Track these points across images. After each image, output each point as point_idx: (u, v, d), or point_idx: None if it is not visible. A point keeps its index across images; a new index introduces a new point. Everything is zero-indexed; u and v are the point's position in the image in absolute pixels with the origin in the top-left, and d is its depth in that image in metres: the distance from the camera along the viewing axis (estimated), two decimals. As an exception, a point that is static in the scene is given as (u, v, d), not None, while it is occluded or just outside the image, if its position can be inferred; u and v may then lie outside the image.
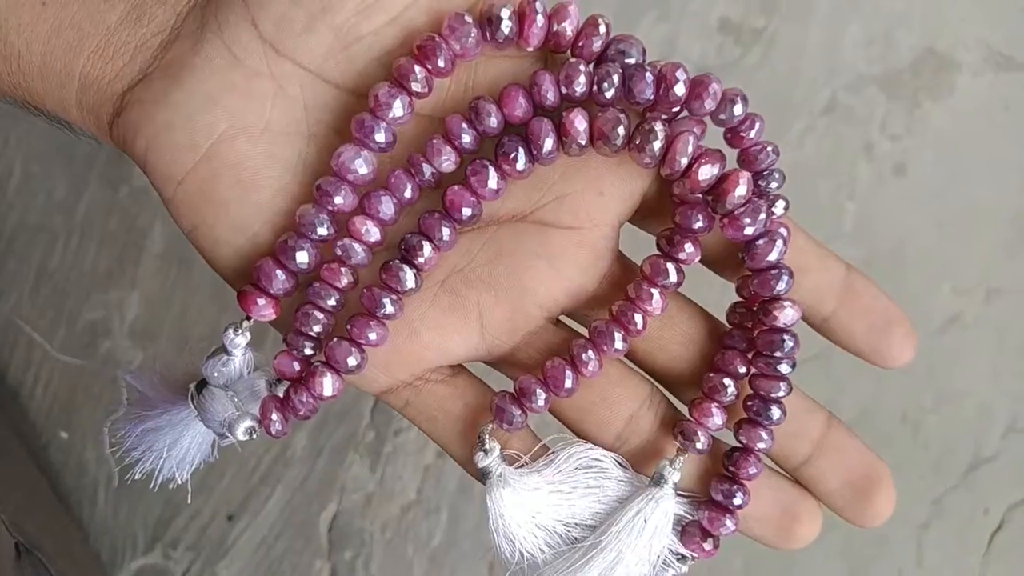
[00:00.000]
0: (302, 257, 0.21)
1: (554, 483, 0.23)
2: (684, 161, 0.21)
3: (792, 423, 0.23)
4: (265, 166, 0.22)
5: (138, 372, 0.24)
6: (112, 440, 0.23)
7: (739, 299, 0.24)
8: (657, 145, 0.21)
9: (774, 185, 0.22)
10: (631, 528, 0.22)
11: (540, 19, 0.21)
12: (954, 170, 0.54)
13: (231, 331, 0.22)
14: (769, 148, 0.22)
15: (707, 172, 0.21)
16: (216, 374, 0.23)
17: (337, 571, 0.54)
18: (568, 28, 0.21)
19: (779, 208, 0.23)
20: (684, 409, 0.25)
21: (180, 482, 0.23)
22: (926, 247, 0.54)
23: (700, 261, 0.23)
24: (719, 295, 0.25)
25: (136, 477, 0.23)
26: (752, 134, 0.22)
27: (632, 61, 0.21)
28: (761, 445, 0.23)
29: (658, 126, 0.21)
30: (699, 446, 0.23)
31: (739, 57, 0.54)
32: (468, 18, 0.21)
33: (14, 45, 0.21)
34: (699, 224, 0.22)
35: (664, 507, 0.23)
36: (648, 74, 0.21)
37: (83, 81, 0.22)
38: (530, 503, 0.23)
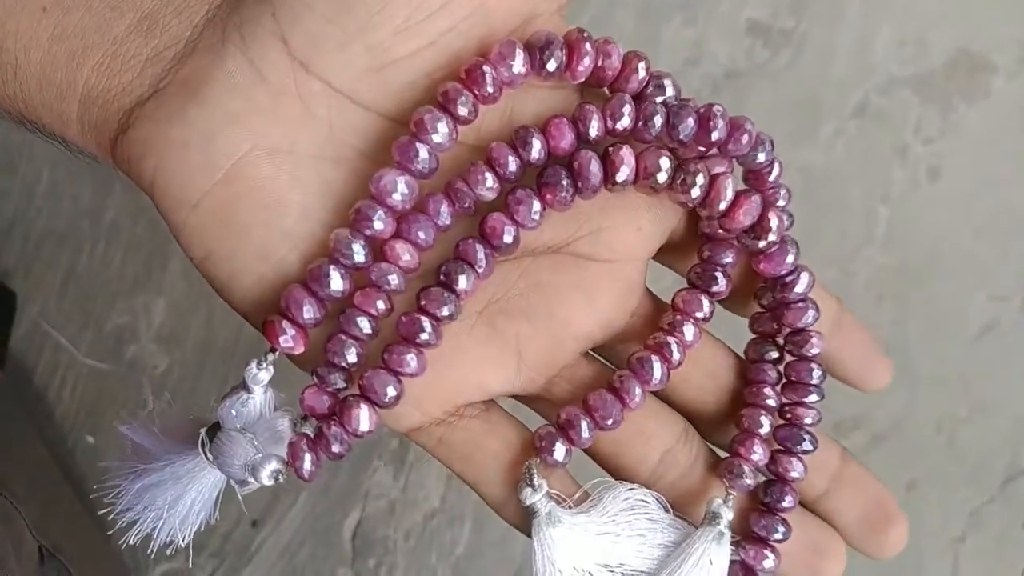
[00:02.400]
0: (336, 284, 0.20)
1: (602, 524, 0.22)
2: (725, 204, 0.22)
3: (810, 458, 0.24)
4: (289, 190, 0.20)
5: (136, 423, 0.22)
6: (105, 500, 0.22)
7: (755, 335, 0.24)
8: (700, 188, 0.21)
9: (786, 225, 0.24)
10: (698, 571, 0.22)
11: (589, 55, 0.21)
12: (990, 174, 0.53)
13: (253, 365, 0.21)
14: (784, 190, 0.23)
15: (751, 211, 0.22)
16: (234, 414, 0.21)
17: (360, 579, 0.54)
18: (615, 62, 0.21)
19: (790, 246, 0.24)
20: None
21: (181, 545, 0.21)
22: (961, 253, 0.53)
23: None
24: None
25: (131, 542, 0.21)
26: (772, 177, 0.23)
27: (669, 96, 0.22)
28: (796, 475, 0.23)
29: (701, 172, 0.21)
30: (748, 482, 0.23)
31: (768, 59, 0.54)
32: (519, 46, 0.21)
33: (11, 51, 0.20)
34: (730, 259, 0.23)
35: (725, 546, 0.23)
36: (692, 114, 0.21)
37: (86, 94, 0.20)
38: (578, 545, 0.22)
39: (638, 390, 0.22)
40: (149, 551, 0.21)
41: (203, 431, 0.21)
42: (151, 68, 0.20)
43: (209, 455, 0.21)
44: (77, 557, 0.41)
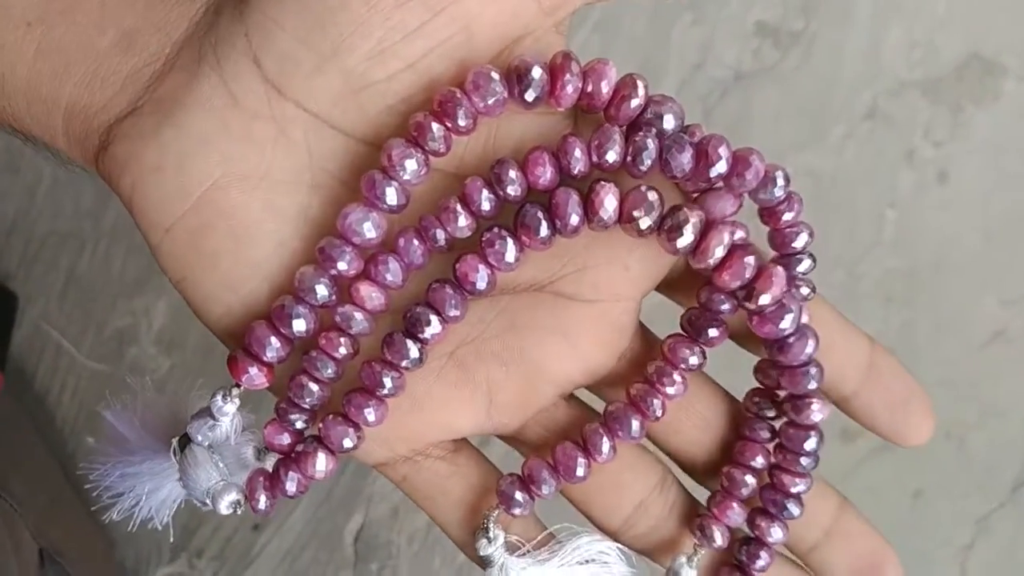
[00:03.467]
0: (299, 324, 0.20)
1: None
2: (715, 260, 0.19)
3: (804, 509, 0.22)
4: (262, 218, 0.20)
5: (119, 410, 0.22)
6: (89, 476, 0.22)
7: (758, 386, 0.23)
8: (688, 237, 0.19)
9: (803, 268, 0.21)
10: None
11: (573, 80, 0.19)
12: (999, 177, 0.52)
13: (219, 397, 0.21)
14: (804, 232, 0.21)
15: (740, 272, 0.19)
16: (201, 437, 0.21)
17: (363, 583, 0.54)
18: (604, 89, 0.19)
19: (804, 292, 0.22)
20: (695, 488, 0.24)
21: (160, 526, 0.22)
22: (970, 257, 0.52)
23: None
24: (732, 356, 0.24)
25: (114, 517, 0.22)
26: (789, 216, 0.21)
27: (670, 127, 0.20)
28: (774, 539, 0.22)
29: (693, 215, 0.19)
30: (717, 543, 0.22)
31: (777, 61, 0.53)
32: (495, 75, 0.19)
33: None
34: (726, 307, 0.21)
35: None
36: (688, 149, 0.19)
37: (69, 110, 0.20)
38: None
39: (607, 446, 0.21)
40: (130, 528, 0.22)
41: (175, 441, 0.21)
42: (131, 85, 0.20)
43: (179, 469, 0.21)
44: (77, 560, 0.41)
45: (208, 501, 0.21)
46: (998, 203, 0.52)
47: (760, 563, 0.22)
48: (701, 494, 0.23)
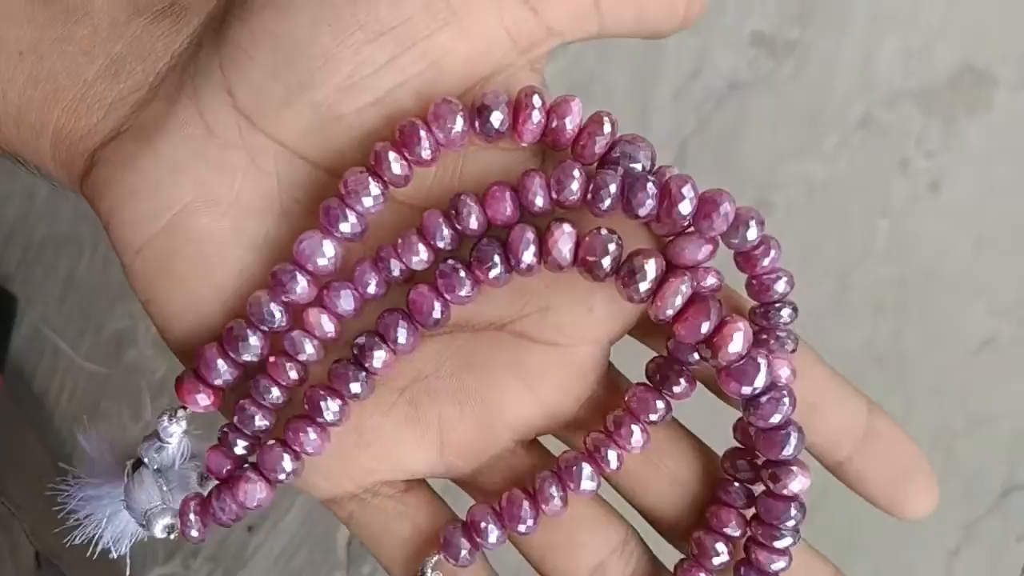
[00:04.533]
0: (248, 348, 0.20)
1: None
2: (672, 311, 0.18)
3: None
4: (228, 242, 0.20)
5: (93, 435, 0.22)
6: (58, 499, 0.22)
7: (737, 445, 0.21)
8: (645, 285, 0.18)
9: (784, 319, 0.20)
10: None
11: (536, 115, 0.19)
12: (991, 187, 0.53)
13: (165, 418, 0.21)
14: (784, 278, 0.20)
15: (696, 327, 0.18)
16: (149, 459, 0.21)
17: (356, 584, 0.54)
18: (569, 125, 0.19)
19: (788, 345, 0.20)
20: (663, 549, 0.22)
21: (116, 557, 0.22)
22: (961, 266, 0.53)
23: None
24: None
25: (76, 542, 0.22)
26: (766, 261, 0.20)
27: (638, 167, 0.19)
28: None
29: (649, 263, 0.18)
30: None
31: (771, 70, 0.54)
32: (457, 105, 0.19)
33: None
34: (694, 358, 0.20)
35: None
36: (651, 186, 0.18)
37: (56, 135, 0.21)
38: None
39: (557, 498, 0.20)
40: (89, 554, 0.22)
41: (129, 464, 0.21)
42: (115, 112, 0.20)
43: (126, 491, 0.21)
44: (75, 563, 0.41)
45: (144, 524, 0.21)
46: (989, 213, 0.53)
47: None
48: (673, 557, 0.22)
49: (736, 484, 0.21)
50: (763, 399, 0.19)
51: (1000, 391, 0.52)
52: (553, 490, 0.20)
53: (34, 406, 0.54)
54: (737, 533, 0.20)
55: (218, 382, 0.20)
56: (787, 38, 0.54)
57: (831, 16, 0.53)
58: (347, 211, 0.19)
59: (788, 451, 0.19)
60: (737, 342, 0.18)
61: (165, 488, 0.21)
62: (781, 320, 0.20)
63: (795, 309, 0.20)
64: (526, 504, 0.20)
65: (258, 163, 0.20)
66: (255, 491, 0.20)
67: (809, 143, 0.53)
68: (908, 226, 0.53)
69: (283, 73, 0.19)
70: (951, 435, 0.52)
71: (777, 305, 0.20)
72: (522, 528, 0.20)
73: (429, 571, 0.21)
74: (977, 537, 0.51)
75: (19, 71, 0.20)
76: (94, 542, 0.22)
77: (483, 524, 0.20)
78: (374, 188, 0.19)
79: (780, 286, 0.20)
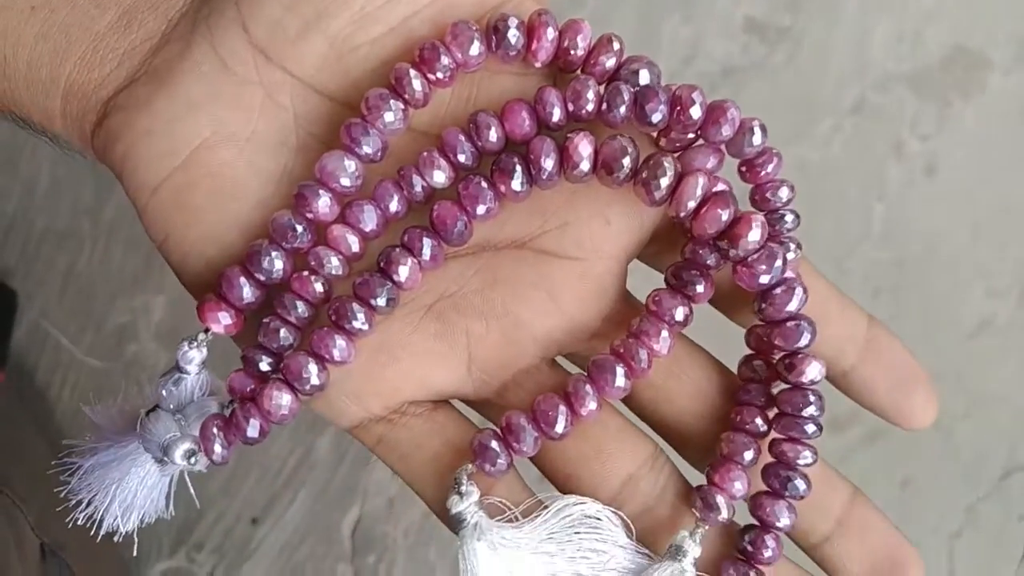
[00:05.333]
0: (271, 265, 0.19)
1: (539, 541, 0.20)
2: (692, 204, 0.19)
3: (813, 495, 0.20)
4: (247, 176, 0.20)
5: (100, 406, 0.21)
6: (61, 480, 0.21)
7: (750, 351, 0.21)
8: (664, 183, 0.19)
9: (788, 225, 0.21)
10: None
11: (550, 33, 0.19)
12: (986, 170, 0.53)
13: (186, 344, 0.20)
14: (785, 186, 0.20)
15: (716, 217, 0.19)
16: (167, 393, 0.20)
17: (360, 575, 0.54)
18: (581, 44, 0.20)
19: (791, 252, 0.21)
20: (690, 472, 0.22)
21: (123, 533, 0.21)
22: (958, 249, 0.53)
23: (708, 301, 0.21)
24: (719, 339, 0.23)
25: (79, 522, 0.21)
26: (769, 169, 0.20)
27: (645, 81, 0.20)
28: (782, 523, 0.20)
29: (667, 162, 0.19)
30: (722, 515, 0.20)
31: (765, 56, 0.54)
32: (473, 26, 0.19)
33: (0, 51, 0.20)
34: (711, 261, 0.20)
35: None
36: (661, 94, 0.19)
37: (68, 89, 0.21)
38: (508, 562, 0.20)
39: (592, 399, 0.20)
40: (94, 535, 0.21)
41: (142, 411, 0.21)
42: (128, 61, 0.21)
43: (140, 434, 0.20)
44: (79, 555, 0.41)
45: (162, 456, 0.20)
46: (985, 195, 0.53)
47: (767, 553, 0.20)
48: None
49: (756, 384, 0.21)
50: (777, 290, 0.19)
51: (999, 372, 0.52)
52: (588, 390, 0.20)
53: (36, 401, 0.54)
54: (761, 430, 0.20)
55: (242, 301, 0.20)
56: (780, 24, 0.54)
57: (823, 1, 0.54)
58: (369, 129, 0.19)
59: (804, 340, 0.20)
60: (756, 232, 0.19)
61: (183, 422, 0.20)
62: (785, 226, 0.21)
63: (797, 216, 0.21)
64: (561, 406, 0.20)
65: (274, 98, 0.20)
66: (282, 399, 0.20)
67: (803, 128, 0.53)
68: (904, 210, 0.53)
69: (299, 5, 0.20)
70: (951, 417, 0.52)
71: (780, 212, 0.21)
72: (557, 430, 0.20)
73: (465, 480, 0.20)
74: (979, 519, 0.51)
75: (30, 26, 0.20)
76: (100, 519, 0.21)
77: (518, 428, 0.20)
78: (396, 105, 0.19)
79: (783, 193, 0.20)
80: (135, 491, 0.21)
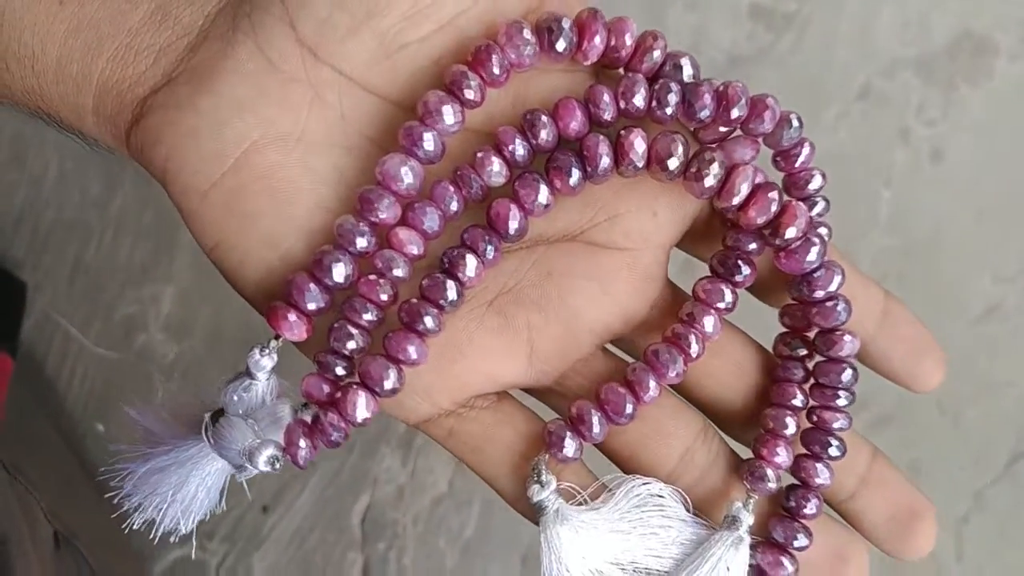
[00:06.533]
0: (340, 271, 0.20)
1: (614, 521, 0.21)
2: (741, 197, 0.20)
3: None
4: (300, 178, 0.20)
5: (144, 407, 0.21)
6: (112, 484, 0.21)
7: (785, 329, 0.23)
8: (714, 177, 0.20)
9: (819, 211, 0.22)
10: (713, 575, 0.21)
11: (601, 32, 0.20)
12: (993, 155, 0.53)
13: (257, 351, 0.21)
14: (818, 174, 0.22)
15: (766, 208, 0.20)
16: (236, 399, 0.21)
17: (370, 563, 0.54)
18: (628, 42, 0.20)
19: (824, 234, 0.22)
20: (732, 444, 0.24)
21: (184, 532, 0.21)
22: (964, 234, 0.53)
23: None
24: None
25: (135, 527, 0.21)
26: (803, 158, 0.21)
27: (688, 75, 0.21)
28: (821, 481, 0.22)
29: (717, 157, 0.20)
30: (770, 486, 0.22)
31: (771, 43, 0.54)
32: (527, 27, 0.20)
33: (28, 45, 0.20)
34: (753, 247, 0.21)
35: (744, 553, 0.21)
36: (708, 93, 0.20)
37: (101, 86, 0.20)
38: (588, 543, 0.21)
39: (652, 384, 0.21)
40: (152, 537, 0.21)
41: (207, 416, 0.21)
42: (164, 58, 0.20)
43: (211, 440, 0.21)
44: (92, 543, 0.41)
45: (245, 462, 0.20)
46: (992, 181, 0.53)
47: (810, 508, 0.22)
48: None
49: (794, 361, 0.22)
50: (818, 273, 0.21)
51: (1006, 358, 0.52)
52: (649, 378, 0.21)
53: (46, 390, 0.54)
54: (800, 405, 0.22)
55: (311, 307, 0.20)
56: (785, 10, 0.54)
57: (829, -13, 0.54)
58: (428, 130, 0.20)
59: (841, 318, 0.21)
60: (801, 220, 0.20)
61: (257, 428, 0.21)
62: (817, 212, 0.22)
63: (828, 202, 0.22)
64: (626, 393, 0.21)
65: (322, 96, 0.20)
66: (363, 403, 0.20)
67: (810, 115, 0.53)
68: (910, 196, 0.53)
69: (349, 3, 0.19)
70: (958, 403, 0.52)
71: (813, 199, 0.22)
72: (623, 417, 0.21)
73: (543, 468, 0.21)
74: (986, 504, 0.52)
75: (59, 20, 0.20)
76: (159, 522, 0.21)
77: (587, 416, 0.21)
78: (454, 108, 0.20)
79: (816, 182, 0.22)
80: (195, 492, 0.21)
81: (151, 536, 0.21)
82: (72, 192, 0.56)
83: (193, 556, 0.54)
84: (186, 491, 0.21)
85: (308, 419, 0.21)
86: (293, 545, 0.54)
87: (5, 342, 0.50)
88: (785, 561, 0.22)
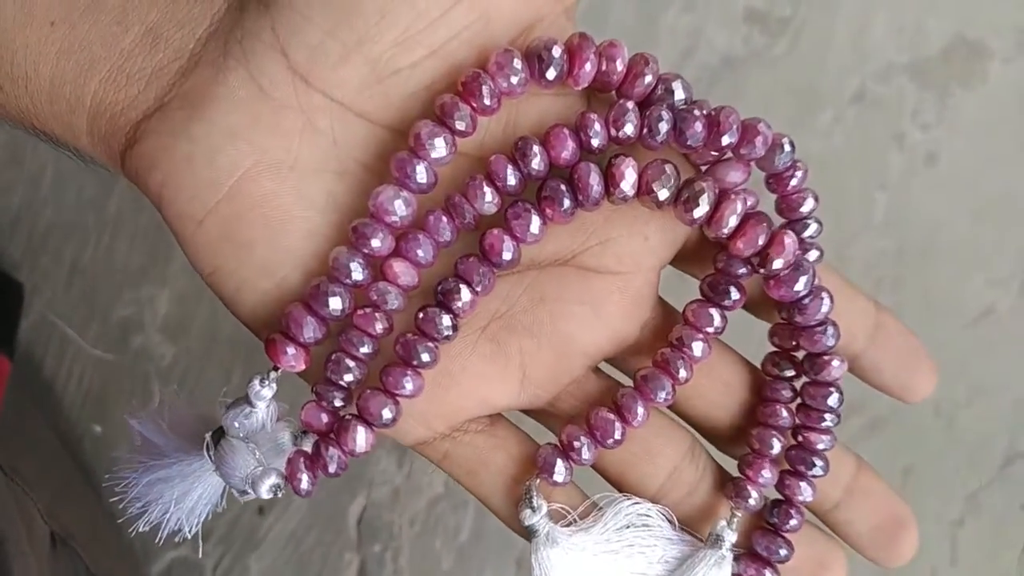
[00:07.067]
0: (335, 303, 0.20)
1: (602, 542, 0.22)
2: (730, 228, 0.20)
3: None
4: (293, 205, 0.20)
5: (145, 417, 0.22)
6: (115, 490, 0.22)
7: (774, 348, 0.23)
8: (704, 207, 0.20)
9: (811, 233, 0.22)
10: None
11: (592, 58, 0.20)
12: (987, 159, 0.53)
13: (256, 382, 0.21)
14: (810, 196, 0.22)
15: (753, 240, 0.20)
16: (237, 425, 0.21)
17: (366, 564, 0.54)
18: (618, 67, 0.20)
19: (812, 256, 0.22)
20: (721, 459, 0.24)
21: (188, 535, 0.22)
22: (959, 238, 0.53)
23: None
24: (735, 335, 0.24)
25: (140, 529, 0.22)
26: (795, 181, 0.22)
27: (678, 99, 0.21)
28: (804, 497, 0.23)
29: (707, 186, 0.20)
30: (752, 503, 0.22)
31: (766, 47, 0.54)
32: (516, 55, 0.20)
33: (21, 67, 0.20)
34: (743, 271, 0.22)
35: (726, 571, 0.22)
36: (700, 120, 0.20)
37: (94, 108, 0.20)
38: (578, 564, 0.22)
39: (641, 409, 0.22)
40: (157, 540, 0.21)
41: (208, 436, 0.21)
42: (156, 82, 0.20)
43: (212, 461, 0.21)
44: (88, 543, 0.41)
45: (248, 488, 0.21)
46: (986, 184, 0.53)
47: (792, 523, 0.22)
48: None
49: (782, 382, 0.23)
50: (806, 301, 0.21)
51: (1000, 361, 0.52)
52: (638, 404, 0.22)
53: (43, 391, 0.54)
54: (787, 425, 0.22)
55: (308, 339, 0.20)
56: (780, 14, 0.54)
57: (824, -8, 0.54)
58: (420, 162, 0.20)
59: (829, 343, 0.22)
60: (789, 251, 0.20)
61: (258, 453, 0.21)
62: (808, 235, 0.22)
63: (820, 224, 0.22)
64: (614, 419, 0.22)
65: (314, 123, 0.20)
66: (361, 438, 0.21)
67: (804, 119, 0.53)
68: (905, 199, 0.53)
69: (340, 30, 0.19)
70: (952, 406, 0.52)
71: (805, 221, 0.22)
72: (611, 442, 0.22)
73: (534, 492, 0.22)
74: (980, 507, 0.52)
75: (51, 41, 0.20)
76: (163, 524, 0.21)
77: (577, 442, 0.22)
78: (445, 138, 0.20)
79: (808, 204, 0.22)
80: (196, 503, 0.22)
81: (152, 538, 0.22)
82: (69, 194, 0.56)
83: (192, 556, 0.54)
84: (189, 500, 0.21)
85: (308, 448, 0.21)
86: (289, 546, 0.54)
87: (2, 344, 0.50)
88: (768, 573, 0.22)
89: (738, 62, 0.54)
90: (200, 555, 0.54)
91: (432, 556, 0.54)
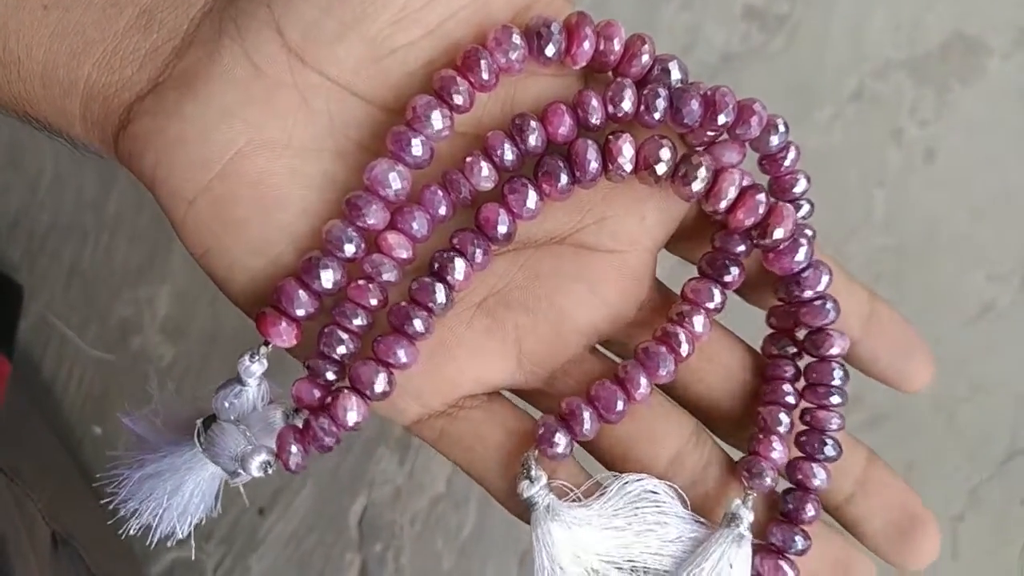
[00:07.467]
0: (328, 276, 0.20)
1: (607, 518, 0.21)
2: (729, 200, 0.20)
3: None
4: (288, 184, 0.20)
5: (136, 414, 0.22)
6: (108, 489, 0.21)
7: (772, 330, 0.23)
8: (701, 181, 0.20)
9: (804, 214, 0.22)
10: (715, 574, 0.21)
11: (590, 37, 0.20)
12: (986, 155, 0.53)
13: (246, 358, 0.21)
14: (802, 177, 0.22)
15: (753, 210, 0.20)
16: (227, 406, 0.21)
17: (368, 563, 0.54)
18: (616, 47, 0.20)
19: (809, 235, 0.22)
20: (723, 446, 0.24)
21: (181, 536, 0.21)
22: (958, 233, 0.53)
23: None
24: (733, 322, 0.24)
25: (132, 532, 0.21)
26: (788, 162, 0.22)
27: (675, 79, 0.21)
28: (818, 482, 0.22)
29: (704, 161, 0.20)
30: (767, 482, 0.22)
31: (764, 44, 0.54)
32: (515, 31, 0.20)
33: (13, 51, 0.20)
34: (741, 248, 0.22)
35: (746, 550, 0.21)
36: (696, 98, 0.20)
37: (88, 91, 0.20)
38: (581, 539, 0.21)
39: (644, 381, 0.21)
40: (148, 542, 0.21)
41: (199, 422, 0.21)
42: (150, 63, 0.20)
43: (203, 446, 0.21)
44: (89, 544, 0.41)
45: (238, 468, 0.21)
46: (985, 180, 0.53)
47: (808, 512, 0.22)
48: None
49: (784, 359, 0.22)
50: (807, 273, 0.21)
51: (1000, 357, 0.52)
52: (641, 376, 0.21)
53: (43, 392, 0.54)
54: (793, 402, 0.22)
55: (300, 313, 0.20)
56: (778, 11, 0.54)
57: (821, -12, 0.54)
58: (417, 135, 0.20)
59: (830, 316, 0.21)
60: (788, 222, 0.20)
61: (248, 433, 0.21)
62: (801, 215, 0.22)
63: (812, 204, 0.22)
64: (617, 390, 0.21)
65: (310, 102, 0.20)
66: (353, 407, 0.20)
67: (803, 115, 0.53)
68: (904, 196, 0.53)
69: (336, 9, 0.19)
70: (953, 402, 0.52)
71: (798, 202, 0.22)
72: (614, 415, 0.21)
73: (533, 463, 0.21)
74: (981, 502, 0.52)
75: (44, 25, 0.20)
76: (155, 526, 0.21)
77: (579, 413, 0.21)
78: (443, 112, 0.20)
79: (800, 185, 0.22)
80: (190, 497, 0.21)
81: (148, 540, 0.21)
82: (68, 195, 0.56)
83: (192, 557, 0.54)
84: (181, 496, 0.21)
85: (299, 424, 0.21)
86: (290, 546, 0.54)
87: (2, 345, 0.50)
88: (785, 566, 0.21)
89: (736, 59, 0.54)
90: (194, 556, 0.54)
91: (434, 555, 0.54)
